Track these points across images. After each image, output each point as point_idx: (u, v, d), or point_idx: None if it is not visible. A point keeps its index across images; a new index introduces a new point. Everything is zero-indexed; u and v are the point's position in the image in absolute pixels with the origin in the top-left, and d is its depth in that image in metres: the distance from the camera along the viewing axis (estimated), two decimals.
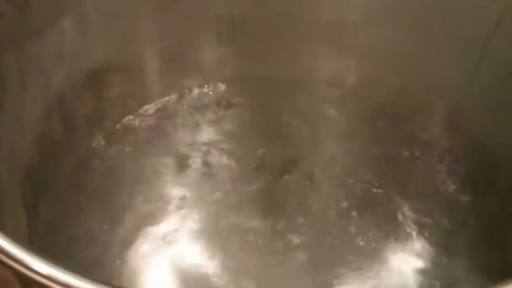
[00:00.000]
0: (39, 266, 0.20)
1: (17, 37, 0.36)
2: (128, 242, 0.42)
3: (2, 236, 0.21)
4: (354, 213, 0.45)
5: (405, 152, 0.47)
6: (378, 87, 0.49)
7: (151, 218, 0.44)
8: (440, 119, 0.47)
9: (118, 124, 0.49)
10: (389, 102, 0.49)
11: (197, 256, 0.42)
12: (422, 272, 0.42)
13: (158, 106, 0.51)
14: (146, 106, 0.51)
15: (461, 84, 0.43)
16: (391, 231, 0.44)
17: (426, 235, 0.43)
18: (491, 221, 0.42)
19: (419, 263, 0.42)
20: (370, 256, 0.42)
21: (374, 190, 0.46)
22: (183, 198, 0.45)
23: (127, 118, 0.50)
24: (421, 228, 0.44)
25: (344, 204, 0.46)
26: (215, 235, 0.43)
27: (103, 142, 0.48)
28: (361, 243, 0.43)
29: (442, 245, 0.42)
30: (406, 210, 0.45)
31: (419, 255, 0.42)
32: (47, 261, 0.20)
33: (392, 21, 0.46)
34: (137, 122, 0.50)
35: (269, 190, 0.46)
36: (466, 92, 0.43)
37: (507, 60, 0.40)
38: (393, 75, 0.48)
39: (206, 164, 0.48)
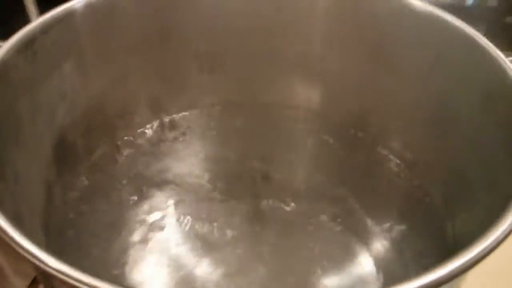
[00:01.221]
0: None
1: (28, 84, 0.44)
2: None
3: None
4: (328, 223, 0.54)
5: (365, 167, 0.56)
6: (342, 111, 0.58)
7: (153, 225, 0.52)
8: (396, 139, 0.55)
9: (111, 149, 0.57)
10: (352, 124, 0.58)
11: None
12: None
13: (146, 132, 0.59)
14: (138, 130, 0.59)
15: (409, 109, 0.52)
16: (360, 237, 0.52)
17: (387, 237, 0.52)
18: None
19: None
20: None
21: (341, 203, 0.54)
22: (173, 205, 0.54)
23: (118, 143, 0.58)
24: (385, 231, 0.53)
25: (319, 216, 0.54)
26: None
27: (97, 165, 0.56)
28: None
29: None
30: (372, 220, 0.54)
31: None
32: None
33: (352, 53, 0.55)
34: (127, 147, 0.58)
35: (247, 201, 0.55)
36: (413, 117, 0.52)
37: (443, 92, 0.48)
38: (355, 100, 0.56)
39: (185, 182, 0.56)
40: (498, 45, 1.50)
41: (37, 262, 0.27)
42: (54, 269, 0.27)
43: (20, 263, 0.58)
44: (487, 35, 1.43)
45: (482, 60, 0.43)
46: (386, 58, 0.52)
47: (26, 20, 0.50)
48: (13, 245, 0.28)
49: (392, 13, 0.50)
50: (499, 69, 0.42)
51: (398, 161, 0.55)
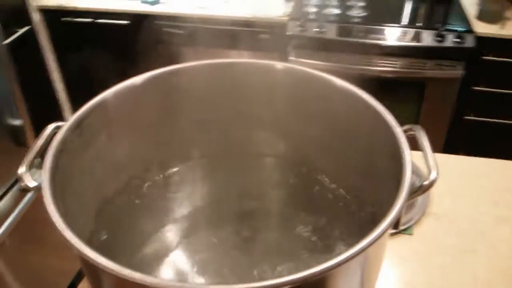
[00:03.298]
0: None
1: (78, 152, 0.66)
2: None
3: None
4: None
5: (314, 193, 0.79)
6: (302, 158, 0.81)
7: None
8: (332, 174, 0.78)
9: (131, 195, 0.79)
10: (306, 166, 0.80)
11: None
12: None
13: (158, 178, 0.82)
14: (151, 180, 0.82)
15: (345, 159, 0.74)
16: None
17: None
18: None
19: None
20: None
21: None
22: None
23: (139, 186, 0.81)
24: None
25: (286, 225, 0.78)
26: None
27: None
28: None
29: None
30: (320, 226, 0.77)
31: None
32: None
33: (306, 119, 0.78)
34: (143, 193, 0.80)
35: (233, 226, 0.78)
36: (348, 164, 0.74)
37: (366, 149, 0.70)
38: (308, 151, 0.79)
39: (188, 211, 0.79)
40: (476, 82, 1.78)
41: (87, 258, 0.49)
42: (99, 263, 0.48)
43: None
44: (465, 72, 1.68)
45: (386, 130, 0.64)
46: (330, 123, 0.75)
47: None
48: (76, 251, 0.50)
49: (327, 90, 0.73)
50: (395, 138, 0.62)
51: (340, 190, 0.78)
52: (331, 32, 1.92)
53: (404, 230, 0.93)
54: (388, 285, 0.84)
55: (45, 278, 1.57)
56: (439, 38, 1.87)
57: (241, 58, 0.76)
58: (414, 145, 0.64)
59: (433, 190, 1.00)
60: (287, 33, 1.93)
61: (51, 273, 1.60)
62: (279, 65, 0.73)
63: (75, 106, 0.68)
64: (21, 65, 1.47)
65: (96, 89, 0.71)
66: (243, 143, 0.83)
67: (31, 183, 0.59)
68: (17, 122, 1.37)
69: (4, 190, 1.34)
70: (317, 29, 1.92)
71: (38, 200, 0.56)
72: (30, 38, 1.97)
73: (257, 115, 0.80)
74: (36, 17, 2.06)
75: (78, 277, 1.70)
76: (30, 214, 1.36)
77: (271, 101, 0.77)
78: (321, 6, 2.05)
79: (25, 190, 0.60)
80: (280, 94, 0.76)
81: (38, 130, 0.65)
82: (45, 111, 1.99)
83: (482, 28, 1.89)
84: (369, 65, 1.93)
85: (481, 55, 1.89)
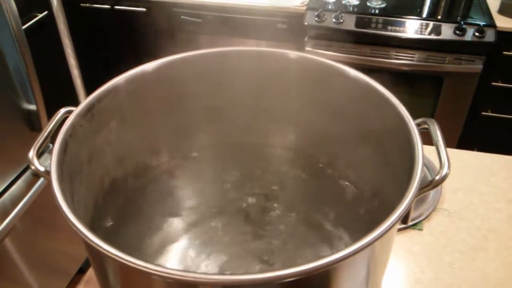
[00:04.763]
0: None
1: (88, 137, 0.67)
2: None
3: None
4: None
5: (324, 184, 0.78)
6: (312, 149, 0.80)
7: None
8: (342, 166, 0.77)
9: (140, 180, 0.80)
10: (315, 156, 0.80)
11: None
12: None
13: (166, 165, 0.82)
14: (161, 166, 0.82)
15: (355, 148, 0.73)
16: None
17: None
18: None
19: None
20: None
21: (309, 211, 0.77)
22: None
23: (147, 173, 0.81)
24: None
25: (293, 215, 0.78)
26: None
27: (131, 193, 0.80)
28: None
29: None
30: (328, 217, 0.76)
31: None
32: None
33: (318, 110, 0.77)
34: (152, 178, 0.80)
35: (241, 216, 0.78)
36: (358, 153, 0.73)
37: (378, 138, 0.69)
38: (318, 142, 0.79)
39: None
40: (495, 77, 1.75)
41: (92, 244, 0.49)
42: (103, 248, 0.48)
43: None
44: (485, 67, 1.65)
45: (399, 122, 0.63)
46: (342, 114, 0.74)
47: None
48: (80, 234, 0.50)
49: (341, 80, 0.72)
50: (408, 130, 0.61)
51: (349, 182, 0.77)
52: (349, 23, 1.90)
53: (414, 225, 0.92)
54: (396, 281, 0.83)
55: (55, 262, 1.58)
56: (459, 32, 1.84)
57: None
58: (429, 139, 0.63)
59: (445, 185, 0.99)
60: (305, 23, 1.92)
61: (61, 258, 1.62)
62: (292, 54, 0.72)
63: (91, 93, 0.68)
64: (38, 50, 1.48)
65: (112, 76, 0.71)
66: (252, 133, 0.83)
67: (40, 167, 0.59)
68: (32, 107, 1.38)
69: (17, 174, 1.35)
70: (335, 20, 1.90)
71: (49, 185, 0.56)
72: (49, 23, 1.98)
73: (268, 105, 0.80)
74: (55, 2, 2.07)
75: (88, 263, 1.73)
76: (41, 199, 1.38)
77: (283, 91, 0.77)
78: None
79: (36, 174, 0.60)
80: (293, 84, 0.75)
81: (53, 115, 0.65)
82: (60, 96, 2.01)
83: (504, 23, 1.85)
84: (387, 58, 1.91)
85: (501, 50, 1.86)
